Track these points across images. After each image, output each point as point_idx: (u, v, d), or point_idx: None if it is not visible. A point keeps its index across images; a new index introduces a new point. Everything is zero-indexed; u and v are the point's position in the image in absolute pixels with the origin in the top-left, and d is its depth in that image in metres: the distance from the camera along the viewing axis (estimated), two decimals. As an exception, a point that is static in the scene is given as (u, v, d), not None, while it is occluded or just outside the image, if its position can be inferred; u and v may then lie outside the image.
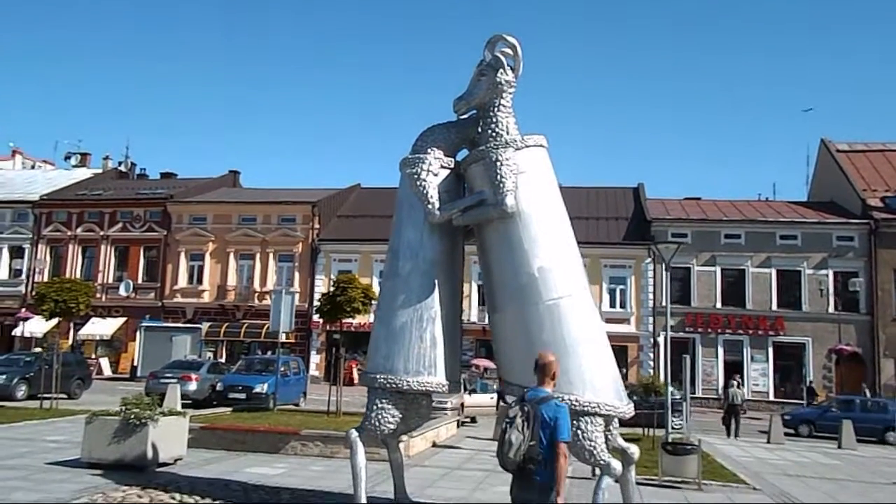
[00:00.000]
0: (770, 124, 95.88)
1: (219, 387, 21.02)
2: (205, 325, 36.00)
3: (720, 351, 33.35)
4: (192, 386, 21.15)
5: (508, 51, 7.96)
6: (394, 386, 7.50)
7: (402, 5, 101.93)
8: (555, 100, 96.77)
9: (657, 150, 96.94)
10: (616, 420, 7.53)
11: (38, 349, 28.98)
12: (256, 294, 37.12)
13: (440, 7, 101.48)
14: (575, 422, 7.11)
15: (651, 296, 33.87)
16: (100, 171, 46.56)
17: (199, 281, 38.11)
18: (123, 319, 37.41)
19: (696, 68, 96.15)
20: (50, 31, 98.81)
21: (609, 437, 7.40)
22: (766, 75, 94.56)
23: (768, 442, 18.89)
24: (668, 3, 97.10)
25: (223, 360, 32.75)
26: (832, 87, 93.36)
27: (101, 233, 39.40)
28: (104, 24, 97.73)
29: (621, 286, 34.56)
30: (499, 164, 7.49)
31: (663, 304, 21.15)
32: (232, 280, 37.66)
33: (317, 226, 37.69)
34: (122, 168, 47.46)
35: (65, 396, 20.41)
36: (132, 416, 9.80)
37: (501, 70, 7.81)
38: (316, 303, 31.70)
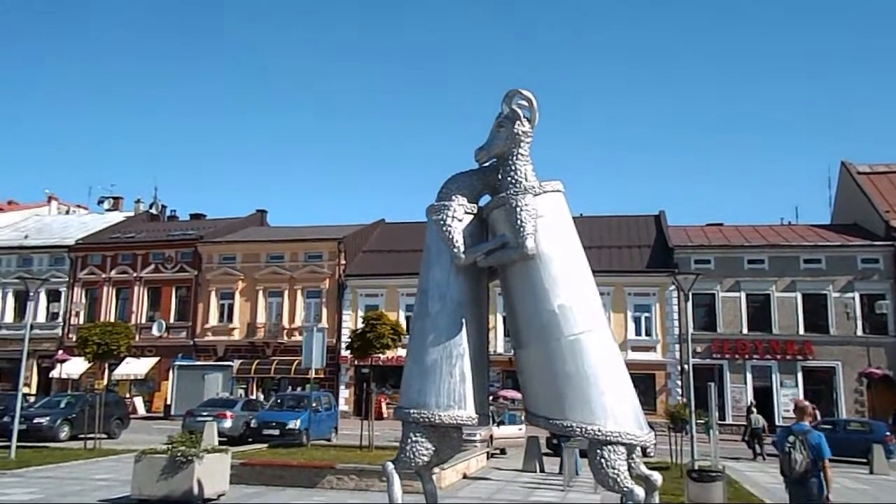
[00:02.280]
0: (789, 147, 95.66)
1: (253, 423, 21.55)
2: (236, 363, 36.70)
3: (748, 377, 33.22)
4: (228, 423, 21.68)
5: (524, 103, 8.54)
6: (427, 420, 7.95)
7: (424, 46, 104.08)
8: (574, 129, 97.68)
9: (677, 177, 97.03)
10: (638, 448, 7.89)
11: (81, 391, 29.83)
12: (285, 331, 37.83)
13: (463, 46, 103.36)
14: (598, 451, 7.52)
15: (676, 323, 33.93)
16: (132, 214, 48.07)
17: (230, 319, 38.96)
18: (156, 359, 38.29)
19: (712, 93, 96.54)
20: (77, 81, 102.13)
21: (632, 464, 7.75)
22: (783, 98, 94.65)
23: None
24: (685, 33, 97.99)
25: (254, 396, 33.36)
26: (851, 108, 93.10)
27: (135, 274, 40.55)
28: (128, 69, 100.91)
29: (646, 314, 34.69)
30: (519, 209, 8.00)
31: (687, 330, 21.49)
32: (261, 317, 38.45)
33: (343, 262, 38.44)
34: (153, 210, 48.87)
35: (105, 436, 21.05)
36: (179, 454, 10.34)
37: (518, 122, 8.38)
38: (345, 339, 32.32)
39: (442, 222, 8.41)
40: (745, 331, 33.51)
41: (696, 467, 12.53)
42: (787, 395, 32.71)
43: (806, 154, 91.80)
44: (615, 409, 7.60)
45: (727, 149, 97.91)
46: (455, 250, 8.27)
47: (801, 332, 32.96)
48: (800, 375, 32.80)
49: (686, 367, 31.87)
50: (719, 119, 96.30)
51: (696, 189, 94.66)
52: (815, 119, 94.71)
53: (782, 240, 34.79)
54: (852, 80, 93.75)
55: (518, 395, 29.33)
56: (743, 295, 33.81)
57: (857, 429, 23.88)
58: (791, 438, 7.64)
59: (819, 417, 22.76)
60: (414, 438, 8.04)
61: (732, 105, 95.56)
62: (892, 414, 29.61)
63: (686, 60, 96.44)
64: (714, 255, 34.36)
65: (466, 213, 8.55)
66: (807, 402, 8.33)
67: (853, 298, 32.73)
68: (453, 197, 8.60)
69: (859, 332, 32.42)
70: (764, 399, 32.71)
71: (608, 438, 7.44)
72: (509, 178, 8.34)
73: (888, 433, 22.69)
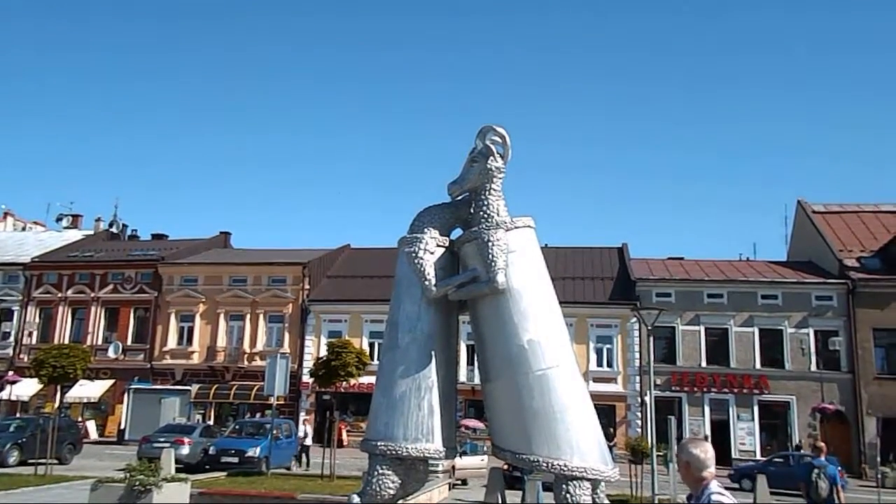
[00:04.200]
0: (747, 185, 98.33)
1: (211, 451, 21.08)
2: (194, 387, 35.93)
3: (706, 410, 33.65)
4: (185, 450, 21.09)
5: (498, 139, 8.74)
6: (394, 452, 7.96)
7: (394, 69, 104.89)
8: (539, 161, 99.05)
9: (639, 209, 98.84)
10: (602, 483, 8.00)
11: (31, 414, 28.88)
12: (246, 355, 37.22)
13: (430, 69, 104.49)
14: (564, 486, 7.62)
15: (637, 355, 34.27)
16: (91, 232, 46.96)
17: (189, 342, 38.20)
18: (111, 382, 37.24)
19: (676, 127, 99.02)
20: (40, 94, 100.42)
21: (596, 499, 7.86)
22: (743, 137, 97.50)
23: (754, 502, 19.16)
24: (649, 66, 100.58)
25: (212, 422, 32.66)
26: (807, 147, 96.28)
27: (92, 294, 39.57)
28: (94, 85, 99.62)
29: (608, 345, 35.02)
30: (490, 244, 8.15)
31: (648, 363, 21.78)
32: (222, 341, 37.78)
33: (307, 286, 38.08)
34: (114, 229, 47.88)
35: (56, 462, 20.38)
36: (137, 483, 10.10)
37: (492, 158, 8.57)
38: (308, 365, 31.92)
39: (414, 255, 8.51)
40: (703, 364, 34.01)
41: (657, 501, 12.68)
42: (743, 429, 33.29)
43: (763, 191, 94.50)
44: (581, 445, 7.72)
45: (688, 183, 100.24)
46: (426, 283, 8.36)
47: (758, 366, 33.58)
48: (756, 409, 33.34)
49: (646, 399, 32.33)
50: (682, 152, 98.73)
51: (657, 222, 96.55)
52: (773, 157, 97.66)
53: (741, 275, 35.54)
54: (809, 121, 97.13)
55: (479, 425, 29.42)
56: (702, 329, 34.37)
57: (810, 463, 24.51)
58: (815, 471, 10.26)
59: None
60: (380, 471, 8.04)
61: (695, 137, 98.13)
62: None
63: (651, 102, 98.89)
64: (675, 288, 34.93)
65: (438, 245, 8.67)
66: (822, 443, 12.02)
67: (808, 334, 33.50)
68: (425, 230, 8.73)
69: (813, 368, 33.14)
70: (721, 432, 33.19)
71: (574, 474, 7.55)
72: (481, 213, 8.51)
73: (840, 468, 23.24)
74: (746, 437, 33.15)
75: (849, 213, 39.16)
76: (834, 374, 32.79)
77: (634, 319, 34.00)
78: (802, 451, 28.33)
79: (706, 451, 3.79)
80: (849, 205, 40.06)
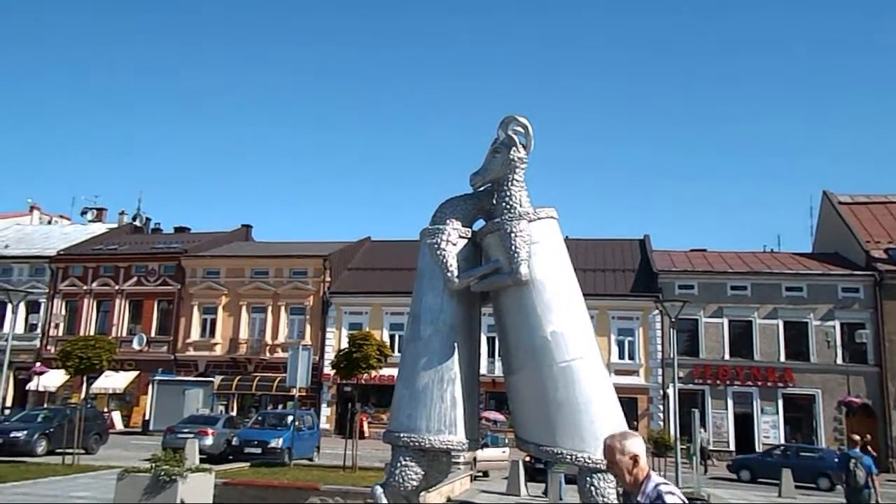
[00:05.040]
0: (772, 175, 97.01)
1: (234, 441, 21.27)
2: (217, 379, 36.30)
3: (730, 403, 33.35)
4: (209, 441, 21.33)
5: (520, 129, 8.63)
6: (417, 444, 7.92)
7: (413, 63, 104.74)
8: (561, 154, 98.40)
9: (662, 201, 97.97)
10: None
11: (58, 404, 29.33)
12: (268, 347, 37.54)
13: (452, 63, 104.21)
14: (588, 478, 7.54)
15: (659, 347, 34.05)
16: (115, 225, 47.62)
17: (212, 334, 38.61)
18: (136, 373, 37.75)
19: (700, 118, 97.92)
20: (63, 89, 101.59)
21: (620, 492, 7.78)
22: (767, 126, 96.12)
23: (779, 496, 18.99)
24: (671, 58, 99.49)
25: (234, 413, 32.98)
26: (833, 139, 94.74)
27: (116, 287, 40.11)
28: (116, 78, 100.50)
29: (629, 338, 34.81)
30: (513, 235, 8.05)
31: (671, 355, 21.57)
32: (244, 333, 38.12)
33: (328, 279, 38.27)
34: (137, 223, 48.47)
35: (83, 451, 20.69)
36: (162, 473, 10.18)
37: (514, 148, 8.46)
38: (329, 357, 32.11)
39: (436, 246, 8.43)
40: (726, 357, 33.69)
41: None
42: (768, 422, 32.94)
43: (788, 183, 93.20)
44: (605, 437, 7.63)
45: (712, 175, 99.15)
46: (449, 274, 8.29)
47: (783, 359, 33.19)
48: (780, 402, 32.99)
49: (669, 391, 32.08)
50: (705, 144, 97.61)
51: (680, 213, 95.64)
52: (798, 148, 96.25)
53: (765, 267, 35.11)
54: (834, 110, 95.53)
55: (500, 417, 29.36)
56: (725, 321, 34.03)
57: (808, 455, 24.74)
58: (852, 461, 11.31)
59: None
60: (403, 462, 8.00)
61: (715, 133, 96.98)
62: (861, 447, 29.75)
63: (672, 96, 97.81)
64: (698, 280, 34.59)
65: (461, 237, 8.59)
66: (857, 436, 12.71)
67: (833, 327, 33.05)
68: (448, 221, 8.64)
69: (839, 361, 32.69)
70: (744, 425, 32.88)
71: (598, 466, 7.46)
72: (504, 204, 8.40)
73: (837, 459, 23.09)
74: (770, 430, 32.80)
75: (876, 203, 38.51)
76: (860, 367, 32.33)
77: (656, 311, 33.77)
78: (800, 445, 28.42)
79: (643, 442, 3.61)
80: (876, 196, 39.36)
